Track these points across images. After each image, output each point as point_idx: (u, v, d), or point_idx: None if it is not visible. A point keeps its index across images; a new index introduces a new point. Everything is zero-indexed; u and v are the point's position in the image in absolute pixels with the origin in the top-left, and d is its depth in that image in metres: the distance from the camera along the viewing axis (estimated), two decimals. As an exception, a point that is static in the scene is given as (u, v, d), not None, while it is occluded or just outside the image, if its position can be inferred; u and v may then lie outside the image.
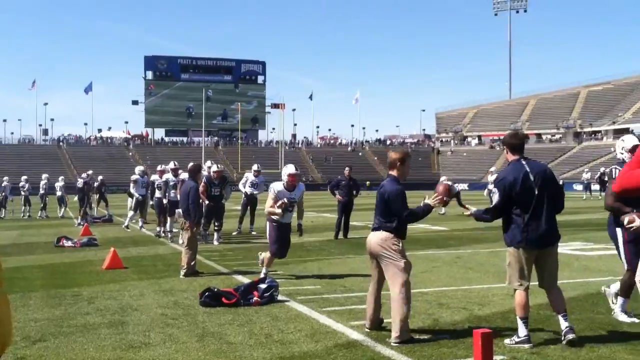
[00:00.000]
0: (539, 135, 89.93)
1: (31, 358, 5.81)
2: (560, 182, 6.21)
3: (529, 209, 6.00)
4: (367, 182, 54.90)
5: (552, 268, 6.16)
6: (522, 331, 5.98)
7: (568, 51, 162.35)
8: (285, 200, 9.69)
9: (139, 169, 20.76)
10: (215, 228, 15.82)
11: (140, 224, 20.10)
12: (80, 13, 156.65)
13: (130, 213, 20.31)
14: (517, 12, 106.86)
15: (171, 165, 17.32)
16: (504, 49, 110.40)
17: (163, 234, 17.14)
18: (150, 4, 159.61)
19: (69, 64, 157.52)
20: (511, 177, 6.08)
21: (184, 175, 16.42)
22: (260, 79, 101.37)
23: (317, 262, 12.13)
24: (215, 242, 15.41)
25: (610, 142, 76.21)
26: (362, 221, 20.56)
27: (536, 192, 6.00)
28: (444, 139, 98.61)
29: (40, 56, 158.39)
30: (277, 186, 9.87)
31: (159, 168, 18.56)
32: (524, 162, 6.16)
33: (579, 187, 53.21)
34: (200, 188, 13.91)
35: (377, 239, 6.44)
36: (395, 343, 6.08)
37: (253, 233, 17.73)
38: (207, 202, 14.98)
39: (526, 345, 5.88)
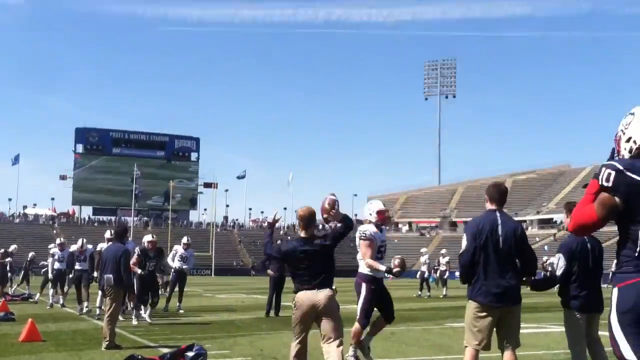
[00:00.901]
0: (466, 222, 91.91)
1: None
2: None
3: (492, 261, 5.81)
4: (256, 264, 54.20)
5: (515, 329, 5.95)
6: None
7: (495, 138, 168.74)
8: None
9: (57, 241, 19.72)
10: (150, 303, 14.46)
11: (60, 300, 18.96)
12: (6, 83, 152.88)
13: (51, 291, 19.10)
14: (447, 97, 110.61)
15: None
16: (434, 134, 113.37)
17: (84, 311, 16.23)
18: (81, 78, 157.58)
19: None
20: (480, 224, 5.96)
21: (101, 245, 15.93)
22: (193, 155, 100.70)
23: (248, 336, 11.71)
24: (148, 319, 14.13)
25: (535, 232, 78.52)
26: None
27: (501, 246, 5.82)
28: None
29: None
30: (369, 228, 8.29)
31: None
32: (498, 214, 6.03)
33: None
34: (134, 259, 13.41)
35: (328, 294, 6.45)
36: None
37: (181, 311, 17.05)
38: (139, 271, 14.15)
39: None
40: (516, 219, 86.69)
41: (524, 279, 6.32)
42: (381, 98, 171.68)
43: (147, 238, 15.35)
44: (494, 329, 5.93)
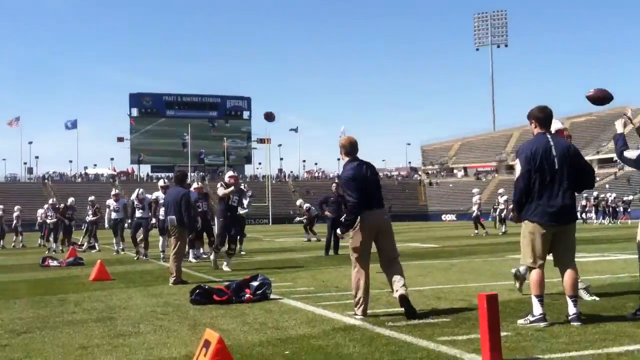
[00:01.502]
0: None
1: (15, 346, 5.56)
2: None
3: (548, 182, 5.81)
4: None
5: (568, 247, 5.93)
6: (537, 310, 5.74)
7: (550, 83, 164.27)
8: None
9: (112, 192, 20.23)
10: (230, 252, 12.89)
11: (121, 246, 19.62)
12: (63, 53, 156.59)
13: (114, 239, 19.77)
14: (498, 46, 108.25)
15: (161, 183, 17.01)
16: (487, 82, 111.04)
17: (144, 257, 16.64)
18: (133, 44, 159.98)
19: (53, 104, 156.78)
20: (533, 147, 5.94)
21: (156, 194, 16.24)
22: (245, 114, 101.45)
23: (310, 271, 11.90)
24: (226, 268, 12.52)
25: (595, 172, 76.88)
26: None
27: (556, 167, 5.81)
28: (430, 172, 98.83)
29: (24, 95, 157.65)
30: None
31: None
32: (548, 136, 6.01)
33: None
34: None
35: (385, 215, 6.71)
36: (402, 293, 6.30)
37: (242, 253, 17.44)
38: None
39: (541, 324, 5.65)
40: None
41: None
42: (431, 49, 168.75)
43: (194, 185, 16.17)
44: (549, 249, 5.93)
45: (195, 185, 16.28)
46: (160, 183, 16.82)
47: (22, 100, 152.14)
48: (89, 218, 22.65)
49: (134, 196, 17.66)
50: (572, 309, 5.77)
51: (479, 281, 9.42)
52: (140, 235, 17.10)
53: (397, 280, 6.43)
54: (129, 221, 18.17)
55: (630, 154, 6.30)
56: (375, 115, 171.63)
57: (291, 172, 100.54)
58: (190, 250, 15.01)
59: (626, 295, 7.37)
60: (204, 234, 16.00)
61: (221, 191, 12.81)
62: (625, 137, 6.50)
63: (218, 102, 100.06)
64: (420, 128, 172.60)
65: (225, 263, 12.54)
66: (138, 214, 17.26)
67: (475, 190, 29.75)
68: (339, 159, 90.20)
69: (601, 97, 6.69)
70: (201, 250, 16.14)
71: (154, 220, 16.59)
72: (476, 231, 26.77)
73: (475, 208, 27.62)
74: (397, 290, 6.37)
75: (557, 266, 5.98)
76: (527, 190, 5.92)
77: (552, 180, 5.83)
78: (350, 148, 6.81)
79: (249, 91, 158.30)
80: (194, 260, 14.89)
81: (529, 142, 6.12)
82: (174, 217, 10.93)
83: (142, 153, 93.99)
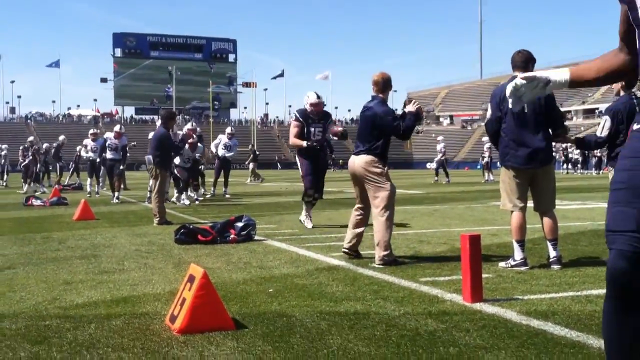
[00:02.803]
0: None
1: (-1, 281, 5.56)
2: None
3: (519, 126, 5.81)
4: (340, 161, 54.86)
5: (546, 191, 5.97)
6: (519, 254, 5.82)
7: (538, 32, 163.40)
8: None
9: (90, 131, 19.58)
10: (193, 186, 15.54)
11: (96, 189, 19.17)
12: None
13: (88, 180, 19.13)
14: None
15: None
16: (475, 29, 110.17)
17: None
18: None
19: (35, 43, 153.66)
20: (504, 92, 5.90)
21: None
22: (231, 57, 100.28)
23: (294, 214, 11.93)
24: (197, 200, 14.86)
25: (580, 122, 77.12)
26: (336, 187, 20.44)
27: (526, 109, 5.78)
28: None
29: (5, 33, 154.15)
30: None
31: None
32: None
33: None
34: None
35: (361, 162, 6.28)
36: (379, 264, 5.94)
37: (227, 196, 17.47)
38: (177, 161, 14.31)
39: (522, 268, 5.73)
40: (561, 109, 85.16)
41: (571, 137, 6.32)
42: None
43: (188, 126, 15.76)
44: (528, 191, 5.98)
45: (188, 126, 15.80)
46: (116, 128, 16.64)
47: (3, 39, 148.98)
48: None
49: (113, 133, 17.04)
50: (552, 253, 5.85)
51: (462, 226, 9.50)
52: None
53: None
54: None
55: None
56: (361, 62, 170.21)
57: (277, 117, 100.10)
58: (184, 193, 14.87)
59: (605, 242, 7.45)
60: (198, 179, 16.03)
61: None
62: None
63: (203, 44, 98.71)
64: (406, 74, 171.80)
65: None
66: (109, 154, 16.61)
67: (439, 138, 30.00)
68: (325, 104, 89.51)
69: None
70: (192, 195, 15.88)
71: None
72: (436, 178, 27.46)
73: (439, 156, 27.80)
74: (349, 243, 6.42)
75: (537, 210, 6.04)
76: (495, 133, 5.97)
77: (523, 124, 5.81)
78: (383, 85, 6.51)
79: (235, 34, 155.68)
80: (187, 202, 14.69)
81: (501, 85, 6.08)
82: (149, 156, 10.84)
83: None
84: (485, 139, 31.67)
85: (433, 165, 30.81)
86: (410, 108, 6.43)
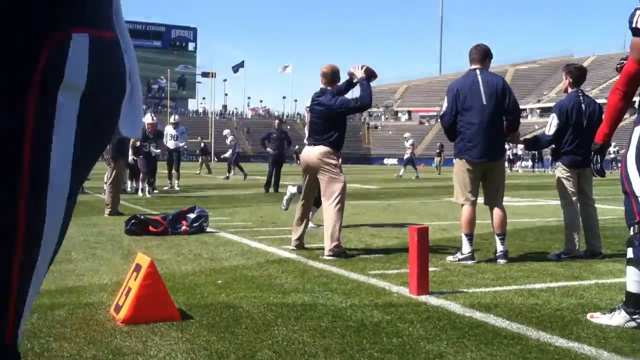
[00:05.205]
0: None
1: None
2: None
3: (475, 119, 5.89)
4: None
5: (497, 185, 6.09)
6: (467, 248, 5.91)
7: (498, 29, 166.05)
8: None
9: None
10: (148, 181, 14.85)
11: None
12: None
13: None
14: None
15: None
16: (437, 25, 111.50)
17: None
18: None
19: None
20: (460, 84, 5.98)
21: None
22: (191, 46, 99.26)
23: (248, 207, 11.93)
24: (148, 195, 14.29)
25: (535, 120, 78.52)
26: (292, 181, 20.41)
27: (485, 102, 5.88)
28: (374, 114, 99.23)
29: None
30: None
31: None
32: (478, 72, 6.01)
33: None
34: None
35: (316, 152, 6.34)
36: (328, 256, 5.98)
37: (177, 188, 17.18)
38: (130, 159, 14.03)
39: (470, 262, 5.83)
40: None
41: (522, 138, 6.47)
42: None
43: (147, 120, 15.25)
44: (480, 185, 6.10)
45: (148, 120, 14.83)
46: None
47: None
48: None
49: None
50: (499, 247, 5.97)
51: (414, 221, 9.61)
52: None
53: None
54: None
55: None
56: (321, 54, 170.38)
57: (235, 108, 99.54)
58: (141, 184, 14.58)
59: (552, 238, 7.65)
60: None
61: None
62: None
63: (162, 32, 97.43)
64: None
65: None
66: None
67: (407, 135, 30.34)
68: (284, 97, 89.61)
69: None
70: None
71: None
72: (400, 173, 27.63)
73: (408, 152, 28.11)
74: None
75: (487, 204, 6.15)
76: (450, 126, 6.04)
77: (478, 117, 5.89)
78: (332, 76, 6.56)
79: (195, 22, 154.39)
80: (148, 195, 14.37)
81: (457, 79, 6.17)
82: (108, 147, 10.70)
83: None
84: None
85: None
86: (358, 73, 6.43)
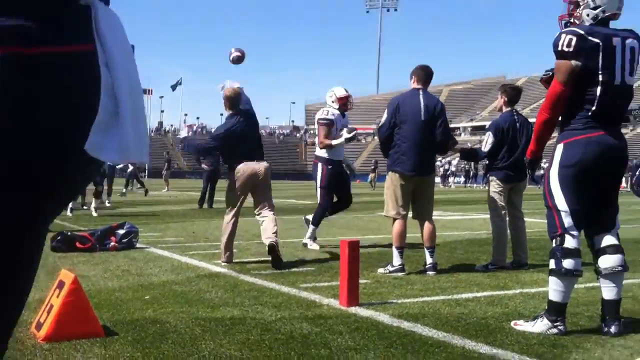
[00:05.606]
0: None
1: None
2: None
3: (411, 134, 6.01)
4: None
5: (427, 199, 6.22)
6: (397, 260, 6.01)
7: (434, 50, 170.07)
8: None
9: None
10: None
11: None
12: None
13: None
14: (388, 10, 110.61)
15: None
16: (375, 45, 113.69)
17: None
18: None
19: None
20: (400, 101, 6.10)
21: None
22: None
23: (181, 223, 11.75)
24: (94, 213, 13.30)
25: (467, 138, 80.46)
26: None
27: (422, 119, 6.02)
28: (312, 131, 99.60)
29: None
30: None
31: None
32: (421, 92, 6.16)
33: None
34: None
35: (265, 166, 6.64)
36: (272, 242, 6.23)
37: (108, 204, 16.67)
38: None
39: (400, 274, 5.91)
40: (451, 126, 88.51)
41: (456, 148, 6.64)
42: (321, 9, 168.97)
43: None
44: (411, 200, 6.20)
45: None
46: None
47: None
48: None
49: None
50: (429, 259, 6.07)
51: (347, 235, 9.67)
52: None
53: (269, 229, 6.44)
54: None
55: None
56: (261, 72, 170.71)
57: (171, 125, 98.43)
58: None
59: (480, 250, 7.82)
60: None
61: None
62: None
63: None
64: (306, 88, 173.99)
65: None
66: None
67: None
68: (222, 114, 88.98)
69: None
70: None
71: None
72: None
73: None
74: (267, 238, 6.40)
75: (416, 219, 6.26)
76: (387, 139, 6.15)
77: (415, 132, 6.03)
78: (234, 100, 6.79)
79: (131, 38, 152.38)
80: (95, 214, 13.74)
81: (400, 95, 6.31)
82: None
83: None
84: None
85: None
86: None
